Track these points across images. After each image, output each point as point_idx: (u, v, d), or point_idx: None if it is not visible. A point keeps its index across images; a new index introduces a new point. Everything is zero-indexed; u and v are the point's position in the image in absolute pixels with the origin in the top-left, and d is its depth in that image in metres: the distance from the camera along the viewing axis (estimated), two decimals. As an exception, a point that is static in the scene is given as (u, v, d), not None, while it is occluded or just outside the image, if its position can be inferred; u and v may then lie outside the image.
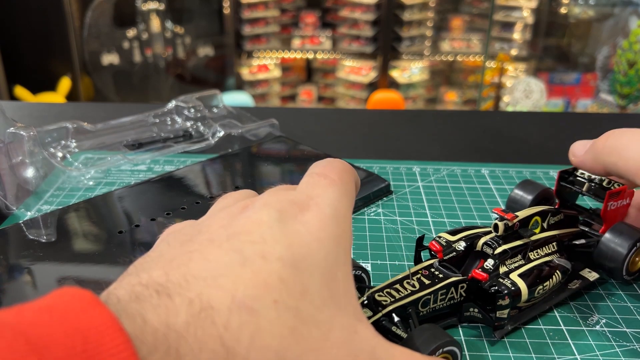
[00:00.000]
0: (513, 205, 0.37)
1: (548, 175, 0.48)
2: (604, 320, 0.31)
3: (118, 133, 0.52)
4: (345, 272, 0.21)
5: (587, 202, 0.41)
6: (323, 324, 0.19)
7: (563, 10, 2.31)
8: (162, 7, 2.29)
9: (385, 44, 2.42)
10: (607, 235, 0.32)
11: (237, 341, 0.17)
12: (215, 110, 0.58)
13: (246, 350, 0.17)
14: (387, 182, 0.44)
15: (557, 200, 0.37)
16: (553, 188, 0.37)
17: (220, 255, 0.19)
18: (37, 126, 0.47)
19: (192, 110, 0.55)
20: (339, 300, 0.20)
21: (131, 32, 2.28)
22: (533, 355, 0.28)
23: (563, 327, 0.30)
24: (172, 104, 0.56)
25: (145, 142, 0.52)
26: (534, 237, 0.32)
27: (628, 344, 0.29)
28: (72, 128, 0.50)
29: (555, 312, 0.31)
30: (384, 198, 0.44)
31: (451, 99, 2.51)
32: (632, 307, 0.32)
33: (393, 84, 2.49)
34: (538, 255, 0.32)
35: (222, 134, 0.53)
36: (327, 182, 0.23)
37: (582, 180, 0.35)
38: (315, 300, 0.19)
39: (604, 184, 0.34)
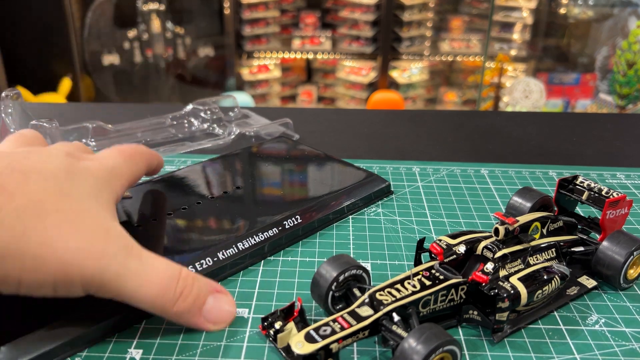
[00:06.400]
0: (512, 212, 0.37)
1: (547, 176, 0.49)
2: (603, 320, 0.31)
3: (136, 134, 0.54)
4: (108, 200, 0.30)
5: (587, 210, 0.41)
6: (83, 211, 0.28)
7: (562, 11, 2.31)
8: (162, 7, 2.29)
9: (385, 45, 2.42)
10: (605, 243, 0.33)
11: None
12: (231, 113, 0.60)
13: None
14: (387, 182, 0.45)
15: (555, 208, 0.37)
16: (552, 195, 0.37)
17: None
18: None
19: (209, 112, 0.57)
20: (101, 206, 0.29)
21: (132, 33, 2.29)
22: (532, 355, 0.28)
23: (562, 327, 0.30)
24: (189, 107, 0.58)
25: (163, 142, 0.54)
26: (533, 243, 0.32)
27: (627, 344, 0.29)
28: (91, 128, 0.52)
29: (555, 311, 0.32)
30: (384, 198, 0.44)
31: (451, 99, 2.51)
32: (631, 307, 0.32)
33: (393, 84, 2.49)
34: (537, 260, 0.32)
35: (237, 132, 0.54)
36: (117, 152, 0.34)
37: (582, 188, 0.35)
38: (77, 197, 0.28)
39: (603, 193, 0.34)
